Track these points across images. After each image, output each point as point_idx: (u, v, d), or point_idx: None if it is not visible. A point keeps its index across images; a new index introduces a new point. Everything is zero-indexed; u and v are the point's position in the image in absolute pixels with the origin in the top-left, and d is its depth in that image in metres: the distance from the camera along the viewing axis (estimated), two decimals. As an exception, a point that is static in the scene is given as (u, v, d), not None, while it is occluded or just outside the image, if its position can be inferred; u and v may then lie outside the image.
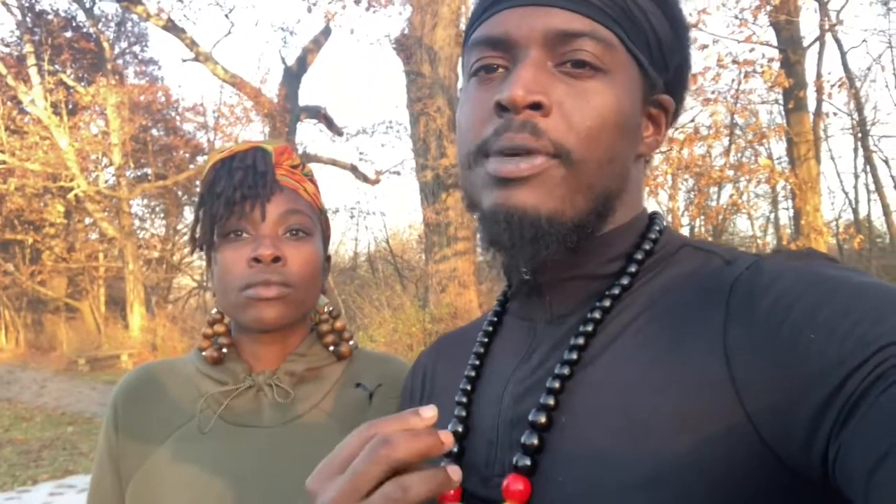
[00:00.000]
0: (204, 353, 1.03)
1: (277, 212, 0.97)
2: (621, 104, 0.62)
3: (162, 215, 20.88)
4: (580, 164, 0.60)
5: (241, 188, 0.95)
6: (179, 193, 19.77)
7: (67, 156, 14.77)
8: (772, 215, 16.79)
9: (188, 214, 21.22)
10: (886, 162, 15.27)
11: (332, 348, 1.06)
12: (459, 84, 11.83)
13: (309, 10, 12.57)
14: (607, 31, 0.62)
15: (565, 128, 0.60)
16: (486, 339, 0.75)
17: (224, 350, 1.03)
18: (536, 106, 0.60)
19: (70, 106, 16.16)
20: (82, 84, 17.10)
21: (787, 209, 15.59)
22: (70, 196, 15.57)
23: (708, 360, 0.54)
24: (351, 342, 1.08)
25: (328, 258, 1.09)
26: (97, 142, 16.39)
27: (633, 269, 0.65)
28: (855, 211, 14.77)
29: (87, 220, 19.03)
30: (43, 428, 8.48)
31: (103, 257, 18.92)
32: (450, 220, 9.90)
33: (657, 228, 0.68)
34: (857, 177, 17.96)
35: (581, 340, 0.63)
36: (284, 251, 0.96)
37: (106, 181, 17.57)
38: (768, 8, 8.27)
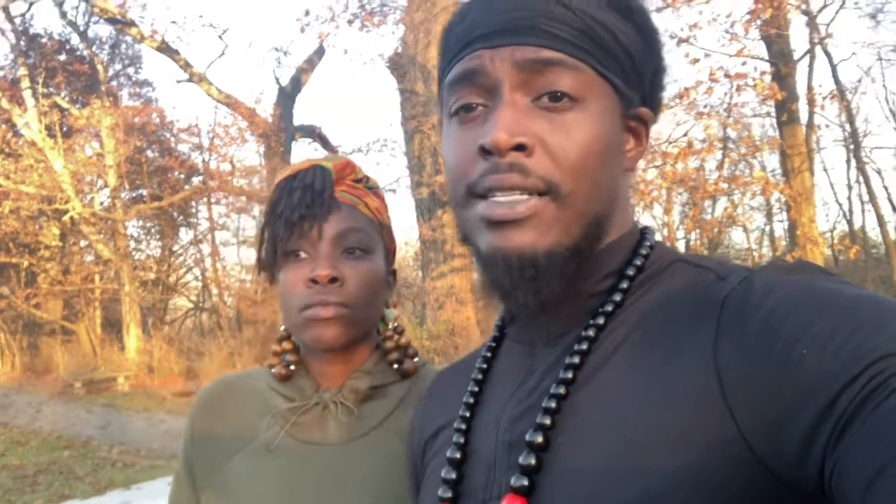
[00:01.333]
0: (273, 371, 1.05)
1: (335, 230, 0.98)
2: (601, 131, 0.63)
3: (157, 236, 20.83)
4: (569, 196, 0.61)
5: (299, 208, 0.97)
6: (175, 214, 19.75)
7: (62, 178, 14.76)
8: (767, 227, 16.86)
9: (184, 236, 21.23)
10: (879, 173, 15.37)
11: (396, 366, 1.07)
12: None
13: (302, 31, 12.70)
14: (577, 61, 0.62)
15: (551, 164, 0.61)
16: (484, 365, 0.76)
17: (292, 367, 1.04)
18: (520, 147, 0.61)
19: (64, 128, 16.16)
20: (77, 106, 17.11)
21: (782, 221, 15.66)
22: (65, 218, 15.54)
23: (700, 376, 0.54)
24: (416, 359, 1.08)
25: (393, 272, 1.10)
26: (92, 164, 16.38)
27: (624, 285, 0.65)
28: (849, 222, 14.84)
29: (83, 243, 18.99)
30: (39, 452, 8.40)
31: (99, 279, 18.84)
32: (446, 236, 9.90)
33: (648, 244, 0.69)
34: (850, 188, 18.08)
35: (576, 359, 0.63)
36: (342, 270, 0.97)
37: (101, 203, 17.56)
38: (759, 22, 8.34)
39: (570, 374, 0.62)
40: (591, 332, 0.64)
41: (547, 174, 0.61)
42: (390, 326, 1.09)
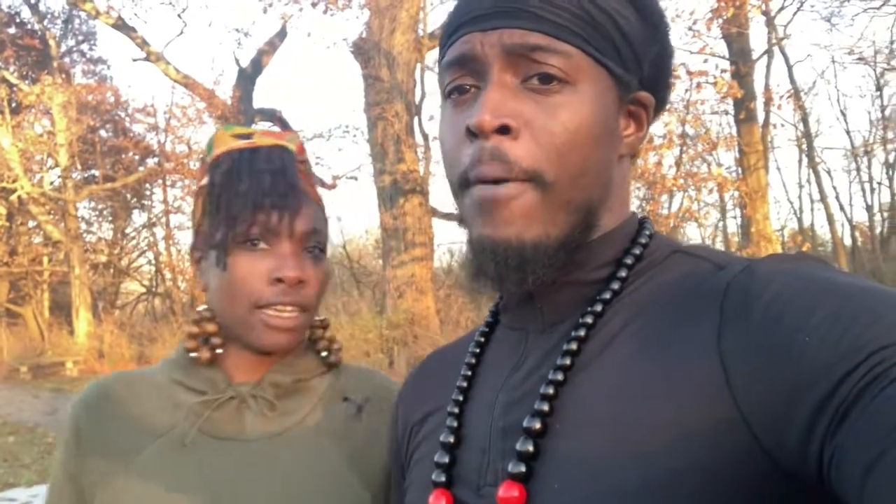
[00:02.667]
0: (192, 354, 0.96)
1: (303, 228, 0.92)
2: (591, 114, 0.62)
3: (110, 218, 20.37)
4: (555, 184, 0.61)
5: (270, 195, 0.90)
6: (128, 196, 19.33)
7: (10, 156, 14.30)
8: (720, 224, 17.26)
9: (137, 218, 20.78)
10: (829, 173, 15.86)
11: (324, 354, 1.02)
12: (417, 90, 11.79)
13: (265, 11, 12.44)
14: (567, 46, 0.62)
15: (536, 149, 0.60)
16: (477, 350, 0.75)
17: (218, 350, 0.96)
18: (504, 129, 0.60)
19: (13, 105, 15.67)
20: (26, 82, 16.58)
21: (735, 217, 16.05)
22: (12, 198, 15.09)
23: (702, 363, 0.54)
24: (340, 353, 1.04)
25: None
26: (42, 142, 15.91)
27: (623, 273, 0.65)
28: (800, 220, 15.29)
29: (31, 223, 18.44)
30: (-18, 439, 8.15)
31: (48, 261, 18.34)
32: (407, 225, 9.88)
33: (647, 233, 0.68)
34: (801, 187, 18.63)
35: (574, 346, 0.62)
36: (307, 272, 0.92)
37: (51, 183, 17.06)
38: (720, 20, 8.50)
39: (567, 361, 0.62)
40: (588, 320, 0.63)
41: (530, 163, 0.60)
42: (317, 319, 1.03)
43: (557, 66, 0.61)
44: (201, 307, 0.99)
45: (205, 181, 0.96)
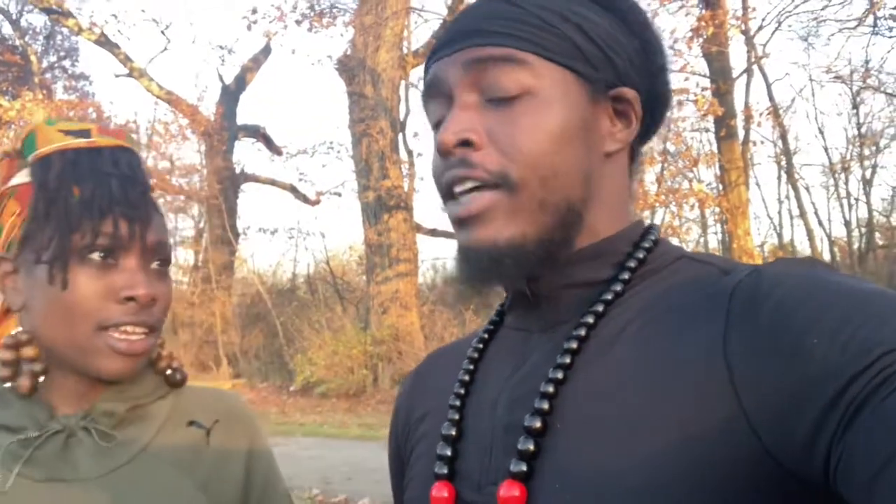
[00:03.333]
0: (7, 385, 0.83)
1: (152, 240, 0.83)
2: (557, 116, 0.63)
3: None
4: (522, 184, 0.62)
5: (120, 203, 0.80)
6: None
7: (-11, 172, 14.11)
8: (702, 239, 17.39)
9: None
10: (808, 189, 16.06)
11: (168, 372, 0.91)
12: (402, 107, 11.81)
13: (249, 28, 12.45)
14: (522, 53, 0.63)
15: (499, 155, 0.62)
16: (480, 346, 0.75)
17: (41, 378, 0.83)
18: (466, 143, 0.63)
19: (-7, 120, 15.50)
20: (7, 98, 16.41)
21: (717, 233, 16.19)
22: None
23: (707, 363, 0.54)
24: (181, 370, 0.93)
25: None
26: (22, 158, 15.73)
27: (625, 276, 0.65)
28: (779, 235, 15.46)
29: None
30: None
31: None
32: (392, 241, 9.88)
33: (652, 238, 0.68)
34: (780, 202, 18.83)
35: (574, 344, 0.62)
36: (156, 289, 0.83)
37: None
38: (701, 39, 8.62)
39: (567, 360, 0.62)
40: (589, 319, 0.63)
41: (493, 166, 0.62)
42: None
43: (512, 77, 0.63)
44: (15, 330, 0.86)
45: (20, 181, 0.84)
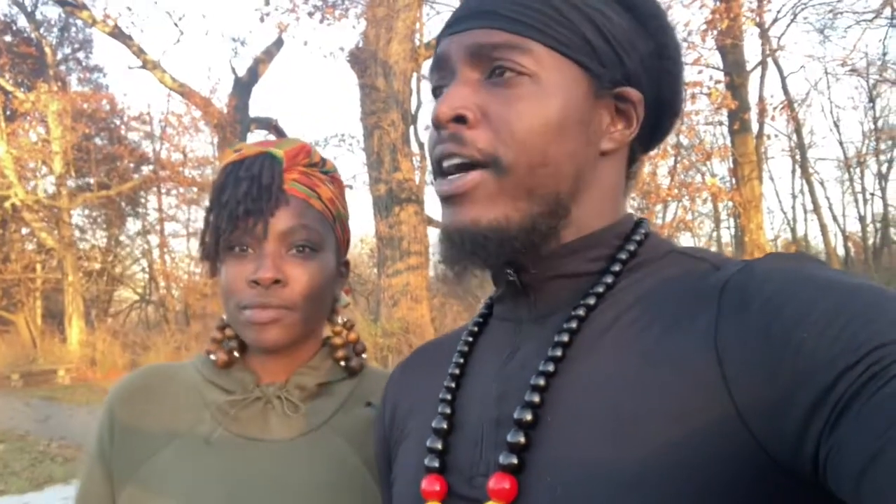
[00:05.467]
0: (213, 357, 1.00)
1: (282, 228, 0.93)
2: (554, 106, 0.63)
3: (104, 226, 20.29)
4: (512, 169, 0.62)
5: (244, 202, 0.91)
6: (123, 204, 19.27)
7: (4, 163, 14.25)
8: (714, 233, 17.30)
9: (131, 226, 20.71)
10: (822, 183, 15.93)
11: (343, 363, 1.03)
12: (413, 99, 11.79)
13: (261, 20, 12.43)
14: (528, 41, 0.63)
15: (492, 135, 0.62)
16: (470, 339, 0.75)
17: (235, 353, 1.00)
18: (461, 119, 0.63)
19: (8, 112, 15.62)
20: (22, 90, 16.53)
21: (729, 228, 16.11)
22: (6, 205, 15.01)
23: (699, 358, 0.54)
24: (364, 355, 1.05)
25: (346, 263, 1.06)
26: (37, 150, 15.86)
27: (616, 268, 0.65)
28: (793, 230, 15.36)
29: (24, 230, 18.36)
30: (-28, 446, 8.08)
31: (41, 268, 18.25)
32: (403, 234, 9.88)
33: (642, 231, 0.68)
34: (794, 197, 18.71)
35: (565, 337, 0.62)
36: (287, 271, 0.93)
37: (45, 190, 16.99)
38: (715, 32, 8.55)
39: (558, 352, 0.62)
40: (581, 312, 0.63)
41: (486, 145, 0.62)
42: (340, 321, 1.05)
43: (516, 61, 0.63)
44: (224, 315, 1.03)
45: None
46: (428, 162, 0.70)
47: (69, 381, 13.39)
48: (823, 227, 12.92)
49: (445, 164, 0.64)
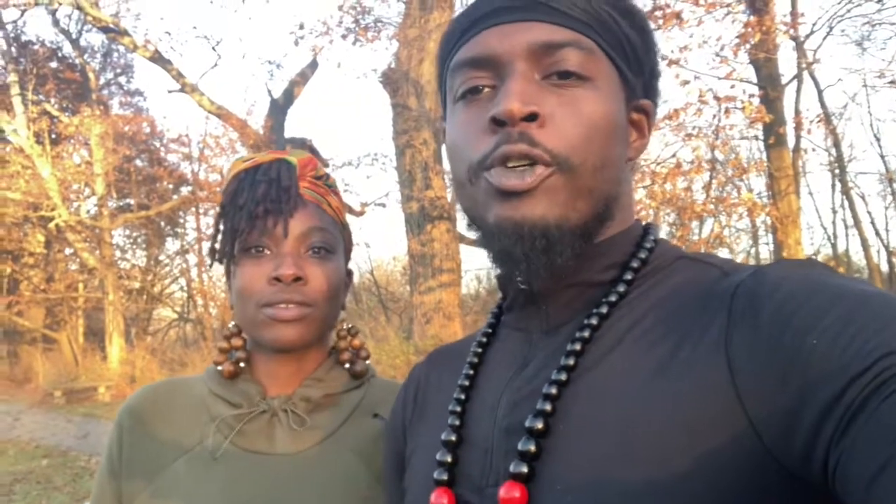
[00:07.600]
0: (219, 368, 1.00)
1: (300, 229, 0.95)
2: (609, 110, 0.63)
3: (144, 246, 20.69)
4: (577, 169, 0.61)
5: (264, 202, 0.93)
6: (162, 224, 19.63)
7: (49, 185, 14.64)
8: (752, 249, 16.96)
9: (170, 245, 21.09)
10: (863, 198, 15.54)
11: (347, 365, 1.03)
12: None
13: (296, 44, 12.66)
14: (588, 40, 0.63)
15: (559, 136, 0.61)
16: (480, 350, 0.75)
17: (241, 364, 1.00)
18: (532, 117, 0.61)
19: (53, 136, 16.07)
20: (66, 114, 17.02)
21: (768, 244, 15.78)
22: (51, 226, 15.40)
23: (710, 366, 0.54)
24: (368, 361, 1.05)
25: (349, 273, 1.07)
26: (80, 172, 16.26)
27: (628, 276, 0.65)
28: (834, 246, 14.98)
29: (68, 251, 18.80)
30: (16, 461, 8.24)
31: (83, 288, 18.64)
32: (435, 251, 9.89)
33: (652, 238, 0.69)
34: (835, 212, 18.26)
35: (578, 346, 0.62)
36: (306, 270, 0.94)
37: (88, 211, 17.41)
38: (748, 46, 8.45)
39: (571, 361, 0.62)
40: (593, 321, 0.63)
41: (555, 147, 0.61)
42: (344, 327, 1.05)
43: (577, 63, 0.62)
44: (231, 324, 1.03)
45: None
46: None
47: (109, 398, 13.61)
48: (865, 243, 12.59)
49: (511, 164, 0.61)
